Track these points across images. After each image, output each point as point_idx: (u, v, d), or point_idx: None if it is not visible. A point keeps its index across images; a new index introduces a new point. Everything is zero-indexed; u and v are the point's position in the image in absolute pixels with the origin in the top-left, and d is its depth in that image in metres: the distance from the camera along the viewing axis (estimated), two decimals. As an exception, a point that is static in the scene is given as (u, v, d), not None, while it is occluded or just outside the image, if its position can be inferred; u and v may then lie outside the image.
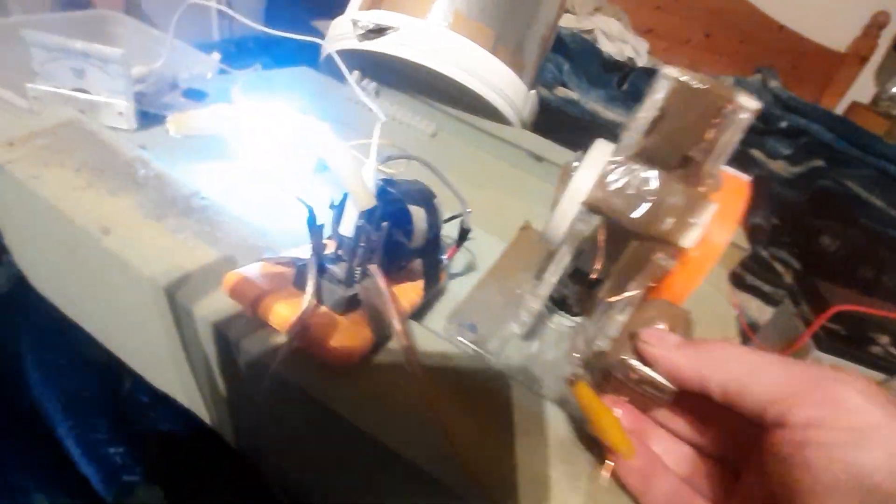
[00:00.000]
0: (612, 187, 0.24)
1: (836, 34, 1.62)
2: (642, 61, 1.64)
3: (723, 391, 0.20)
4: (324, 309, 0.24)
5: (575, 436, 0.26)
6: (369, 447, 0.22)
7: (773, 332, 0.58)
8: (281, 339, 0.24)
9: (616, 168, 0.25)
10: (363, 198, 0.22)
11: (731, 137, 0.25)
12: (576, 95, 1.28)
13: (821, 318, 0.53)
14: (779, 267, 0.82)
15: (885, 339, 0.58)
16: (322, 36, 0.65)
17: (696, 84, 0.25)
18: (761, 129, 1.18)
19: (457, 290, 0.36)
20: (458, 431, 0.22)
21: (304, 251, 0.28)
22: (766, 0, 1.61)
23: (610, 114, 1.28)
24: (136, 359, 0.35)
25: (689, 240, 0.22)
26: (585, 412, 0.22)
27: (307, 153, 0.43)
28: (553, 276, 0.28)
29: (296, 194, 0.24)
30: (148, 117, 0.43)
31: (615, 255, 0.27)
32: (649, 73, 1.51)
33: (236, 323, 0.25)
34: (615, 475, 0.22)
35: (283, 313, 0.23)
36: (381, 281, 0.24)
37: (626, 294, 0.25)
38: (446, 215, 0.33)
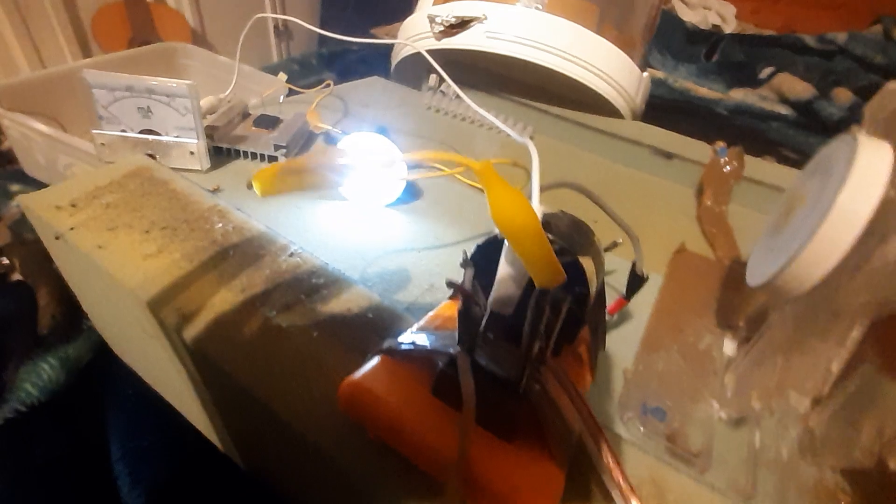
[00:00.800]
0: None
1: None
2: (730, 27, 1.44)
3: None
4: (483, 432, 0.16)
5: None
6: None
7: None
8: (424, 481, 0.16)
9: None
10: (550, 273, 0.14)
11: None
12: (661, 73, 1.13)
13: None
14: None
15: None
16: (384, 49, 0.58)
17: None
18: None
19: (617, 349, 0.27)
20: None
21: (434, 330, 0.20)
22: (888, -65, 1.36)
23: (703, 90, 1.12)
24: (226, 443, 0.29)
25: None
26: None
27: (394, 183, 0.35)
28: (837, 361, 0.18)
29: (437, 272, 0.16)
30: (221, 153, 0.38)
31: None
32: (742, 40, 1.32)
33: (357, 452, 0.17)
34: None
35: (430, 444, 0.16)
36: (567, 385, 0.16)
37: None
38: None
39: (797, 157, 0.81)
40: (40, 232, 0.28)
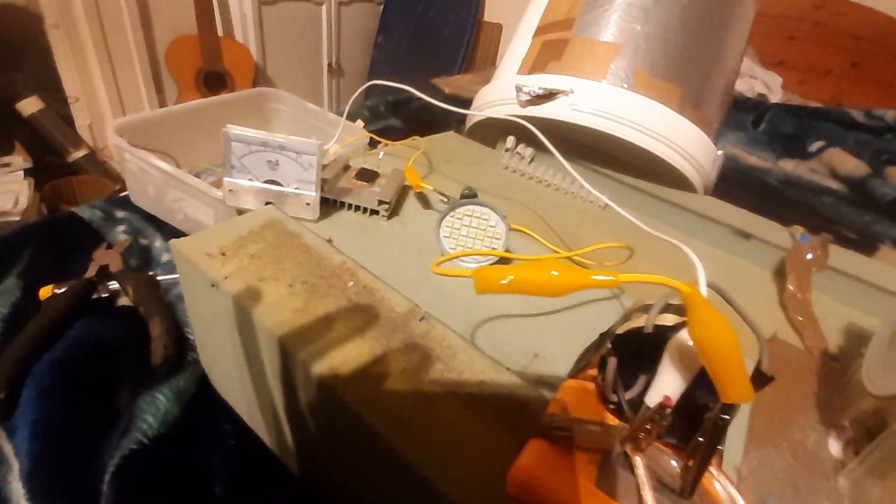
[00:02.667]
0: None
1: None
2: (776, 97, 1.47)
3: None
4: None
5: None
6: None
7: None
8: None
9: None
10: (742, 391, 0.15)
11: None
12: (710, 140, 1.15)
13: None
14: None
15: None
16: (442, 97, 0.62)
17: None
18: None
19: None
20: None
21: (570, 412, 0.21)
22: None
23: (752, 158, 1.13)
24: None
25: None
26: None
27: (496, 242, 0.37)
28: None
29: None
30: (327, 203, 0.41)
31: None
32: (789, 111, 1.34)
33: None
34: None
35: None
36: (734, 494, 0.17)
37: None
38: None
39: (857, 238, 0.80)
40: (187, 276, 0.31)
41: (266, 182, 0.38)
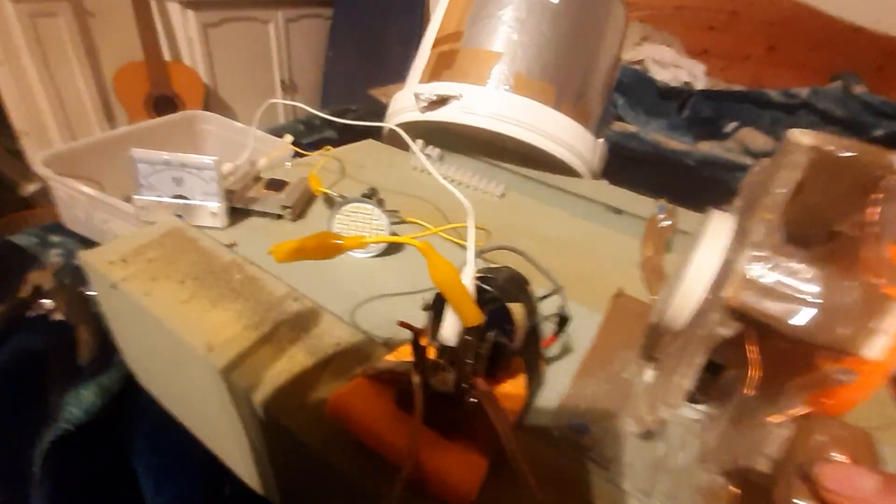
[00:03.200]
0: (760, 286, 0.21)
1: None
2: (700, 84, 1.56)
3: None
4: (432, 433, 0.23)
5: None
6: None
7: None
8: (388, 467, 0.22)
9: (760, 262, 0.21)
10: (470, 316, 0.21)
11: (896, 210, 0.21)
12: (634, 128, 1.23)
13: None
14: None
15: None
16: (380, 107, 0.67)
17: (840, 152, 0.22)
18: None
19: (556, 377, 0.33)
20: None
21: (402, 358, 0.27)
22: (838, 3, 1.51)
23: (673, 143, 1.22)
24: (238, 464, 0.34)
25: (873, 350, 0.18)
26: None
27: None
28: (686, 379, 0.25)
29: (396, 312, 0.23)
30: (237, 212, 0.46)
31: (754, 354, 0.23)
32: (710, 96, 1.43)
33: (342, 450, 0.23)
34: None
35: (392, 442, 0.22)
36: (491, 399, 0.22)
37: (789, 412, 0.21)
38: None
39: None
40: (95, 281, 0.35)
41: (174, 197, 0.43)
